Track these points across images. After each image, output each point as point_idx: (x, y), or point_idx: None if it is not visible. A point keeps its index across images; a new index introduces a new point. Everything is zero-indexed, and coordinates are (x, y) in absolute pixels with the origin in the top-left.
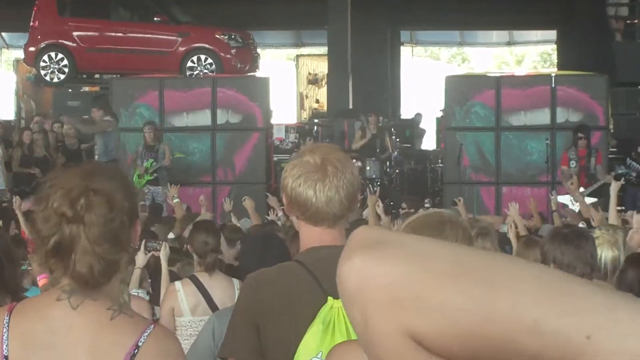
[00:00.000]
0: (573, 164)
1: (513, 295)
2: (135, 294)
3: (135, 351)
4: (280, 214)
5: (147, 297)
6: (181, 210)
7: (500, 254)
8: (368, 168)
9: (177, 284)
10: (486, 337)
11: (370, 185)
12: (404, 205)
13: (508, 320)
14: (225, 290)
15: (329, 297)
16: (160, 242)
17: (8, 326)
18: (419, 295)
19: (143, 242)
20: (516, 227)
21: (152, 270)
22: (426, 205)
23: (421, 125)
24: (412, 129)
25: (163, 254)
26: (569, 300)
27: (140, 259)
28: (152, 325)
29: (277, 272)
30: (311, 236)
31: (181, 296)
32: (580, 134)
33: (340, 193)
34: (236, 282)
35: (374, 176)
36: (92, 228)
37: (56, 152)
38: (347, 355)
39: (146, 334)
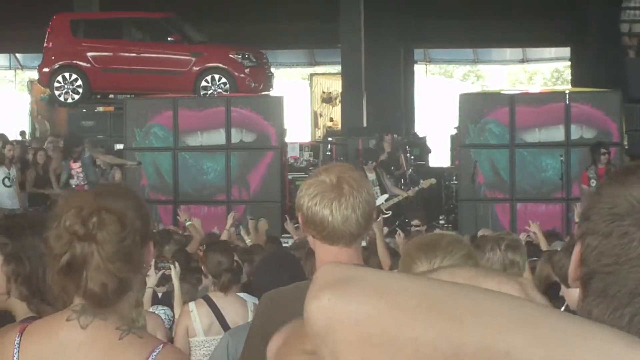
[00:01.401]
0: (593, 182)
1: (482, 328)
2: (162, 311)
3: None
4: (296, 238)
5: None
6: (198, 232)
7: (469, 285)
8: None
9: (191, 304)
10: None
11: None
12: (415, 222)
13: (479, 354)
14: (237, 311)
15: None
16: (171, 261)
17: (19, 347)
18: (388, 332)
19: (153, 261)
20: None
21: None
22: (441, 222)
23: (429, 144)
24: (419, 148)
25: (174, 273)
26: (541, 332)
27: (152, 278)
28: (162, 345)
29: (293, 291)
30: (327, 255)
31: (194, 316)
32: (603, 150)
33: (357, 212)
34: (250, 303)
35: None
36: (105, 246)
37: None
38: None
39: (155, 353)
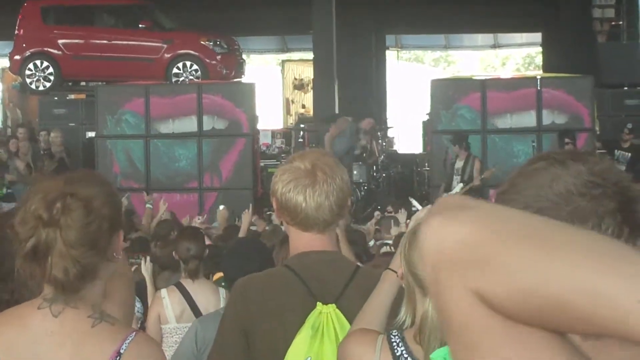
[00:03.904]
0: None
1: (572, 259)
2: (138, 305)
3: (117, 358)
4: (255, 228)
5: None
6: (148, 217)
7: (564, 224)
8: (355, 172)
9: (163, 291)
10: (544, 298)
11: (357, 190)
12: (389, 208)
13: (565, 283)
14: (209, 298)
15: (317, 303)
16: (141, 256)
17: None
18: (485, 256)
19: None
20: None
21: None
22: (413, 209)
23: (394, 134)
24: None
25: (144, 268)
26: (624, 267)
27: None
28: (134, 333)
29: (266, 277)
30: (301, 241)
31: (166, 303)
32: (567, 140)
33: (330, 199)
34: (222, 290)
35: (360, 180)
36: (68, 231)
37: (42, 160)
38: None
39: (127, 341)
